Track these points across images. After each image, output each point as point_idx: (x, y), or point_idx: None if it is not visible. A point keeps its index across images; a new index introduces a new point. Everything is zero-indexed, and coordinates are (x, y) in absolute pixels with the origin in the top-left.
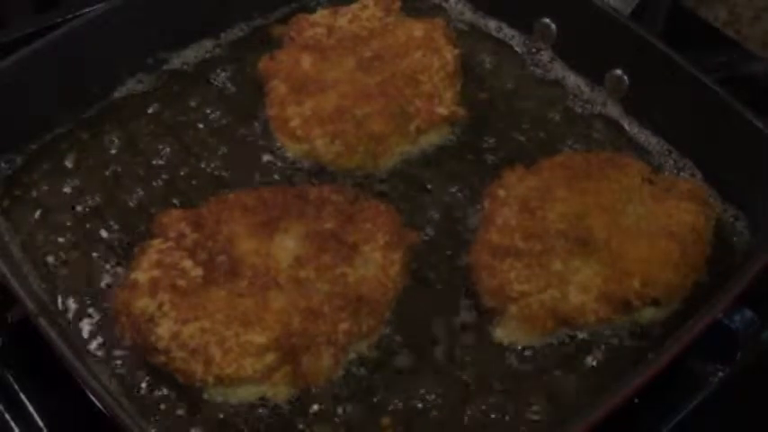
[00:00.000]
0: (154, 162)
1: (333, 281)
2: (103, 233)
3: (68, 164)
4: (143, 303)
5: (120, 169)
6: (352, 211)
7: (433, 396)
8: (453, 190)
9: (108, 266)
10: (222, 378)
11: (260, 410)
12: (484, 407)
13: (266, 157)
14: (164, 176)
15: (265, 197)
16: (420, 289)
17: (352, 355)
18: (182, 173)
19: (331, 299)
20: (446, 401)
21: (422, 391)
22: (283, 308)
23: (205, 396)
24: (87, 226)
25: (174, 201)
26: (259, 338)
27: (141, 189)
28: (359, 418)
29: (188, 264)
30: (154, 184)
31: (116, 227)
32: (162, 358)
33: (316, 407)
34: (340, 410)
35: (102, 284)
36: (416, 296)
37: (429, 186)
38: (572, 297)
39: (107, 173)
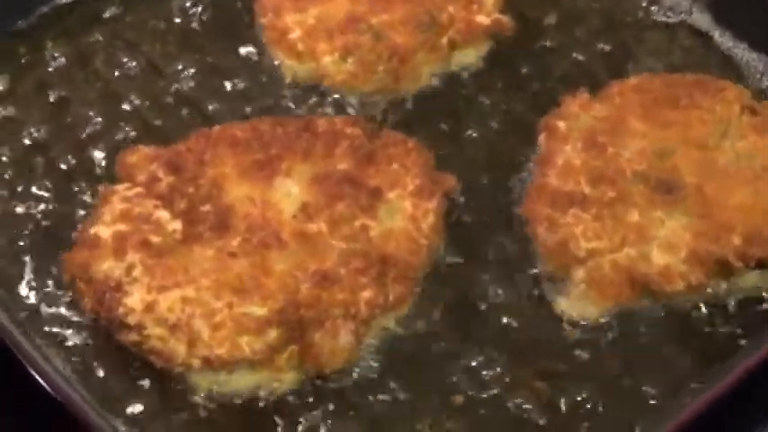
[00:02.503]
0: (113, 85)
1: (350, 237)
2: (50, 176)
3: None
4: (107, 266)
5: (67, 94)
6: (373, 148)
7: (477, 385)
8: (497, 122)
9: (58, 219)
10: (211, 361)
11: (259, 403)
12: (541, 396)
13: (260, 79)
14: (126, 103)
15: (261, 130)
16: (460, 247)
17: (377, 332)
18: (149, 99)
19: (348, 259)
20: (494, 391)
21: (463, 378)
22: (288, 271)
23: (189, 384)
24: (28, 168)
25: (142, 135)
26: (258, 310)
27: (98, 119)
28: (386, 415)
29: (163, 215)
30: (114, 112)
31: (66, 168)
32: (133, 336)
33: (330, 398)
34: (361, 402)
35: (52, 242)
36: (455, 256)
37: (466, 117)
38: (654, 257)
39: (51, 98)
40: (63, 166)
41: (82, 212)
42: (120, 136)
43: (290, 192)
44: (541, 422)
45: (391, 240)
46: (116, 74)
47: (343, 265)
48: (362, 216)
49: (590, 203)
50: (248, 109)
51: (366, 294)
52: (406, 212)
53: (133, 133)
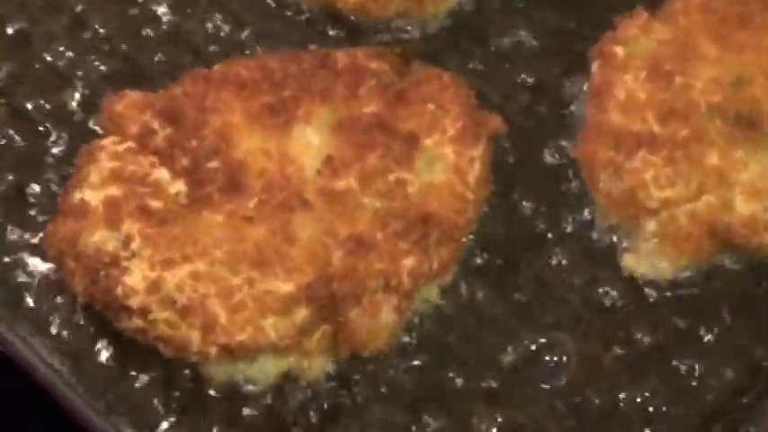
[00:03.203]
0: (81, 14)
1: (385, 194)
2: (14, 127)
3: None
4: (98, 238)
5: (30, 28)
6: (403, 86)
7: (532, 364)
8: (540, 48)
9: (35, 180)
10: (231, 349)
11: (285, 393)
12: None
13: (268, 4)
14: (107, 38)
15: (270, 68)
16: (504, 200)
17: (419, 305)
18: (135, 33)
19: (385, 221)
20: (552, 367)
21: (516, 356)
22: (315, 238)
23: (203, 375)
24: None
25: (124, 76)
26: (283, 286)
27: (68, 55)
28: (431, 398)
29: (163, 175)
30: (85, 48)
31: (34, 116)
32: (137, 322)
33: (367, 383)
34: (402, 385)
35: (31, 208)
36: (505, 212)
37: (503, 44)
38: (738, 205)
39: (9, 31)
40: (30, 115)
41: (57, 173)
42: (95, 76)
43: (310, 142)
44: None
45: (432, 196)
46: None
47: (379, 228)
48: (397, 168)
49: (660, 144)
50: (247, 39)
51: (408, 262)
52: (448, 162)
53: (118, 74)
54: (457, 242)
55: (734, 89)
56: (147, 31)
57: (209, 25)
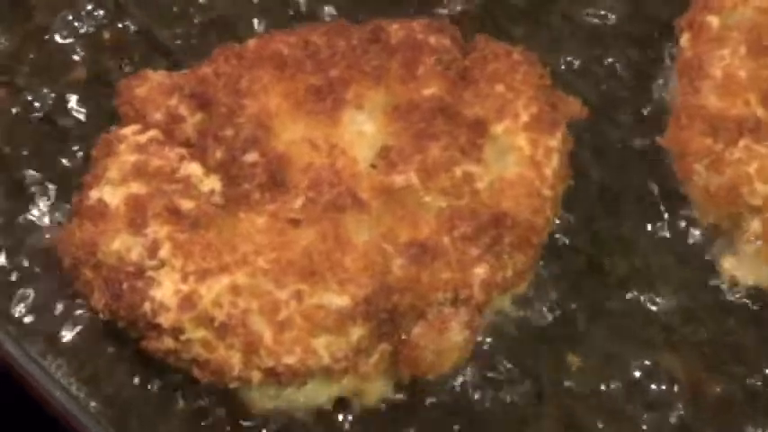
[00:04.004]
0: None
1: (451, 191)
2: (27, 113)
3: None
4: (121, 245)
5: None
6: (468, 65)
7: (626, 380)
8: (617, 17)
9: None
10: (277, 373)
11: (337, 422)
12: (719, 388)
13: None
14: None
15: (314, 44)
16: (581, 196)
17: (490, 318)
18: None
19: (452, 223)
20: (638, 382)
21: (595, 371)
22: (372, 243)
23: (243, 403)
24: None
25: (152, 53)
26: (337, 300)
27: (83, 30)
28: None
29: (194, 170)
30: (92, 18)
31: (46, 102)
32: (168, 343)
33: (430, 409)
34: (477, 412)
35: (36, 212)
36: (577, 208)
37: (579, 13)
38: None
39: None
40: (31, 99)
41: (70, 164)
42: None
43: (362, 130)
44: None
45: (505, 193)
46: None
47: (444, 231)
48: (464, 161)
49: (766, 131)
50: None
51: (479, 271)
52: (522, 152)
53: (137, 51)
54: (534, 246)
55: None
56: (185, 15)
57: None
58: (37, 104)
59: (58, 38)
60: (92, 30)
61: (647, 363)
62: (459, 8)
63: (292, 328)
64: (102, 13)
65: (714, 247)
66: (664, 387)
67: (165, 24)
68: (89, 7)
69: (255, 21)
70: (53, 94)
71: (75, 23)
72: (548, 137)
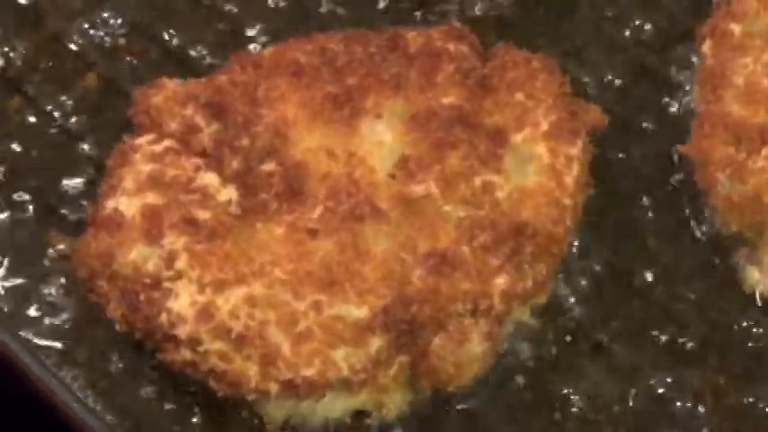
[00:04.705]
0: None
1: (471, 200)
2: (42, 123)
3: None
4: (137, 256)
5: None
6: (487, 73)
7: (645, 394)
8: (636, 25)
9: (53, 188)
10: (296, 386)
11: None
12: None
13: None
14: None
15: (332, 52)
16: (603, 204)
17: (510, 329)
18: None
19: (472, 233)
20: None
21: (621, 385)
22: (391, 253)
23: (263, 415)
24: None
25: (166, 62)
26: (355, 311)
27: (95, 38)
28: None
29: (210, 180)
30: (119, 32)
31: (61, 112)
32: (185, 354)
33: (453, 423)
34: (497, 424)
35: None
36: (598, 216)
37: (598, 19)
38: None
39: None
40: (50, 108)
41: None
42: (122, 60)
43: (380, 139)
44: None
45: (525, 203)
46: None
47: (464, 241)
48: (483, 170)
49: None
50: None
51: (500, 281)
52: (542, 161)
53: (151, 60)
54: (554, 256)
55: None
56: (200, 23)
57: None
58: (53, 113)
59: (72, 46)
60: (107, 38)
61: (668, 379)
62: (478, 13)
63: (311, 340)
64: (118, 21)
65: (737, 257)
66: (689, 404)
67: (180, 31)
68: (105, 15)
69: (270, 28)
70: (69, 102)
71: (91, 31)
72: (568, 145)
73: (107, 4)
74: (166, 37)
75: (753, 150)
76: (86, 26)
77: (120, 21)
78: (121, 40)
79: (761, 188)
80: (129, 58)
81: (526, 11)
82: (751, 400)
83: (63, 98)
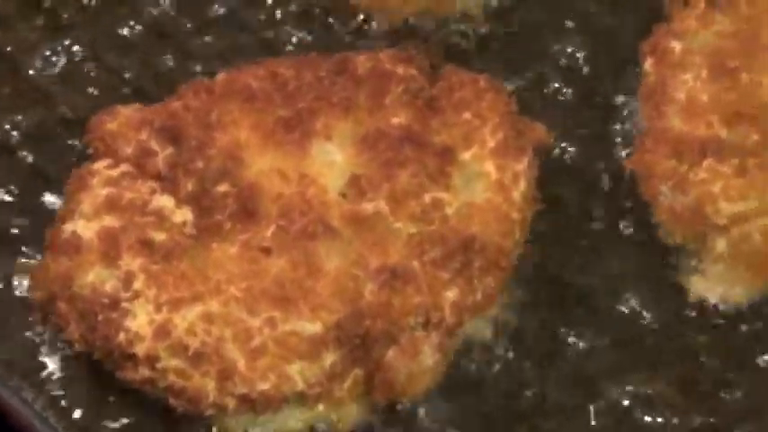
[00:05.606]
0: (65, 14)
1: (420, 217)
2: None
3: None
4: (95, 277)
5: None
6: (435, 94)
7: (598, 404)
8: (582, 45)
9: (17, 212)
10: (252, 400)
11: None
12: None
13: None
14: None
15: (282, 77)
16: (551, 219)
17: (460, 343)
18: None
19: (422, 248)
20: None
21: (570, 391)
22: (343, 269)
23: (220, 430)
24: None
25: (122, 89)
26: (309, 327)
27: (53, 67)
28: None
29: (166, 202)
30: (74, 64)
31: (17, 135)
32: (144, 372)
33: None
34: None
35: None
36: (554, 232)
37: (541, 42)
38: None
39: None
40: (16, 133)
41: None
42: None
43: (332, 160)
44: None
45: (474, 218)
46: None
47: (415, 256)
48: (432, 187)
49: (729, 151)
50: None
51: (450, 294)
52: (490, 178)
53: (107, 87)
54: (502, 269)
55: None
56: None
57: (202, 32)
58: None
59: (32, 72)
60: (66, 66)
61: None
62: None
63: (266, 355)
64: (76, 49)
65: (681, 267)
66: (647, 416)
67: (135, 61)
68: (66, 42)
69: (224, 57)
70: (24, 131)
71: (53, 58)
72: (515, 162)
73: (65, 35)
74: (124, 67)
75: (694, 163)
76: (48, 53)
77: (77, 49)
78: (79, 69)
79: (702, 199)
80: (86, 88)
81: (473, 38)
82: (698, 407)
83: (19, 124)
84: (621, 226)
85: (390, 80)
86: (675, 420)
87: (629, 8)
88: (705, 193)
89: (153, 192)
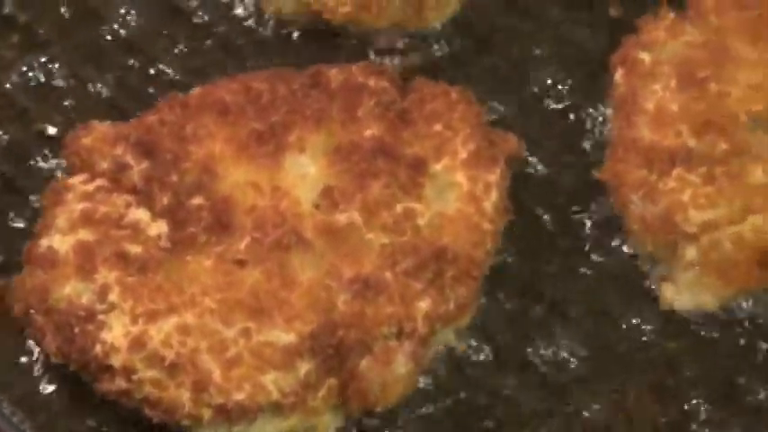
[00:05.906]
0: (41, 30)
1: (392, 227)
2: None
3: None
4: (71, 290)
5: None
6: (406, 106)
7: (570, 408)
8: (553, 57)
9: None
10: (227, 410)
11: None
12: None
13: (237, 12)
14: (53, 59)
15: (256, 90)
16: (531, 229)
17: (434, 352)
18: (83, 49)
19: (394, 258)
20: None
21: (548, 403)
22: (317, 280)
23: None
24: None
25: (98, 104)
26: (283, 337)
27: (29, 84)
28: None
29: (140, 215)
30: (51, 79)
31: None
32: (120, 384)
33: None
34: None
35: None
36: (527, 242)
37: (512, 54)
38: None
39: None
40: None
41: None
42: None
43: (305, 172)
44: None
45: (445, 228)
46: (47, 20)
47: (387, 266)
48: (404, 198)
49: (697, 160)
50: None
51: (423, 304)
52: (461, 189)
53: (83, 104)
54: (475, 279)
55: None
56: (126, 67)
57: (177, 47)
58: None
59: (9, 87)
60: (42, 82)
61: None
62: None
63: (241, 366)
64: (52, 65)
65: (653, 276)
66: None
67: (110, 76)
68: (43, 59)
69: (200, 72)
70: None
71: (30, 74)
72: (486, 173)
73: (41, 51)
74: (100, 85)
75: (663, 172)
76: (23, 69)
77: (54, 66)
78: (54, 85)
79: (672, 208)
80: (62, 103)
81: (445, 51)
82: (672, 414)
83: None
84: (593, 235)
85: (362, 93)
86: (649, 428)
87: (599, 19)
88: (675, 201)
89: (128, 205)
